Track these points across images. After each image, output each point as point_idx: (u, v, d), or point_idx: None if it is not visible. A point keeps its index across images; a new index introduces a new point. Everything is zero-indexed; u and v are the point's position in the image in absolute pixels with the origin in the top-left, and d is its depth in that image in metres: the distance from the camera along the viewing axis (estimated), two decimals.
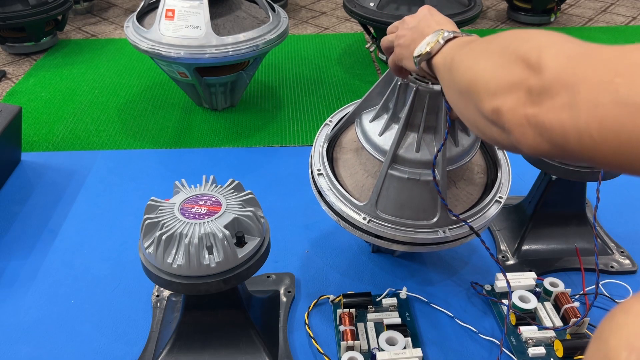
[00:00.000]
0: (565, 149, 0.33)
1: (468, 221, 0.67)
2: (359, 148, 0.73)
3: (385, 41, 0.62)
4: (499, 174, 0.73)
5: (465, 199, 0.71)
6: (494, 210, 0.70)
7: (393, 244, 0.68)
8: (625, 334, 0.27)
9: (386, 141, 0.67)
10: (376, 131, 0.68)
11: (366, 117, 0.71)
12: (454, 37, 0.51)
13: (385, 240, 0.68)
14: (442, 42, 0.50)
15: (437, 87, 0.63)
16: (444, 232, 0.67)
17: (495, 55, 0.40)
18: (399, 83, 0.65)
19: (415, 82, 0.63)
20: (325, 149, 0.74)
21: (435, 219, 0.67)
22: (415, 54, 0.53)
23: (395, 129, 0.66)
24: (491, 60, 0.39)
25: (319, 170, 0.72)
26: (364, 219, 0.68)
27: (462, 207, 0.70)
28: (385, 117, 0.68)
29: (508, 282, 0.69)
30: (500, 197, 0.71)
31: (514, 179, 0.99)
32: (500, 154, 0.76)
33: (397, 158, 0.66)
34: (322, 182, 0.71)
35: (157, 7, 1.14)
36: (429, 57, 0.51)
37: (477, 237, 0.66)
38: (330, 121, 0.78)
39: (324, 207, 0.72)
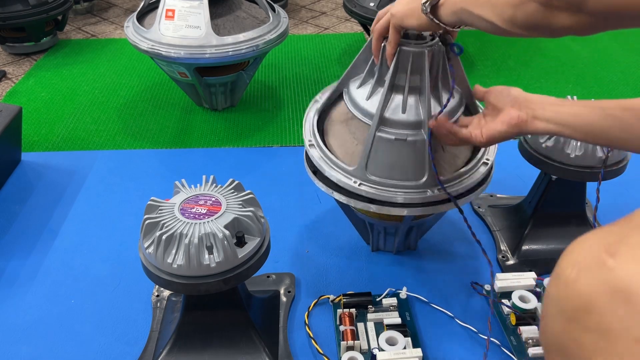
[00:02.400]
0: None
1: (455, 182, 0.68)
2: (348, 119, 0.74)
3: (379, 26, 0.65)
4: None
5: (452, 162, 0.72)
6: (481, 172, 0.71)
7: (384, 207, 0.69)
8: (572, 256, 0.34)
9: (373, 105, 0.68)
10: (363, 96, 0.69)
11: (353, 85, 0.72)
12: None
13: (377, 203, 0.69)
14: None
15: (418, 49, 0.64)
16: (433, 192, 0.68)
17: None
18: (382, 44, 0.66)
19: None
20: (315, 121, 0.75)
21: (424, 179, 0.68)
22: (422, 2, 0.57)
23: (381, 92, 0.67)
24: None
25: (310, 141, 0.73)
26: (355, 182, 0.69)
27: (449, 169, 0.71)
28: (371, 82, 0.69)
29: (492, 274, 0.68)
30: (487, 160, 0.72)
31: (513, 179, 1.00)
32: None
33: (384, 120, 0.67)
34: (314, 153, 0.72)
35: (157, 7, 1.14)
36: (436, 2, 0.56)
37: (457, 207, 0.67)
38: (319, 97, 0.79)
39: (317, 182, 0.73)
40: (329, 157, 0.71)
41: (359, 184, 0.68)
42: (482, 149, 0.73)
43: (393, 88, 0.67)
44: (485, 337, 0.72)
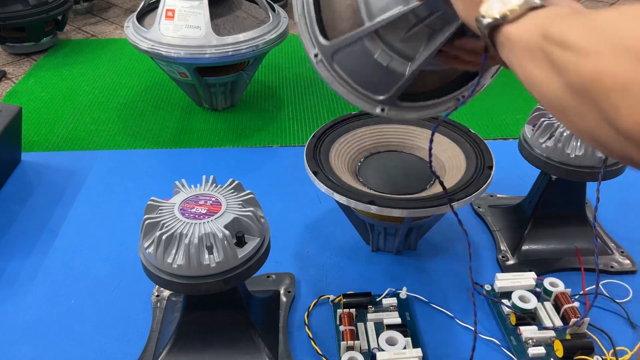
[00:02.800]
0: None
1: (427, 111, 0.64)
2: None
3: None
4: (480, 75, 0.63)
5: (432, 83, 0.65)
6: (450, 106, 0.65)
7: (385, 208, 0.68)
8: None
9: (381, 6, 0.54)
10: None
11: None
12: (541, 7, 0.37)
13: (376, 204, 0.68)
14: (525, 7, 0.37)
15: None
16: (382, 111, 0.63)
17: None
18: None
19: None
20: None
21: (381, 97, 0.61)
22: (483, 11, 0.39)
23: (397, 7, 0.53)
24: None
25: None
26: (316, 55, 0.62)
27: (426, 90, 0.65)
28: None
29: (470, 253, 0.65)
30: (462, 96, 0.64)
31: (513, 179, 1.00)
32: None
33: (379, 31, 0.56)
34: None
35: (157, 7, 1.14)
36: (499, 24, 0.38)
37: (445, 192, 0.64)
38: None
39: (317, 182, 0.71)
40: (310, 11, 0.60)
41: (319, 61, 0.62)
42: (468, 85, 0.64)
43: (409, 16, 0.53)
44: (486, 337, 0.72)
